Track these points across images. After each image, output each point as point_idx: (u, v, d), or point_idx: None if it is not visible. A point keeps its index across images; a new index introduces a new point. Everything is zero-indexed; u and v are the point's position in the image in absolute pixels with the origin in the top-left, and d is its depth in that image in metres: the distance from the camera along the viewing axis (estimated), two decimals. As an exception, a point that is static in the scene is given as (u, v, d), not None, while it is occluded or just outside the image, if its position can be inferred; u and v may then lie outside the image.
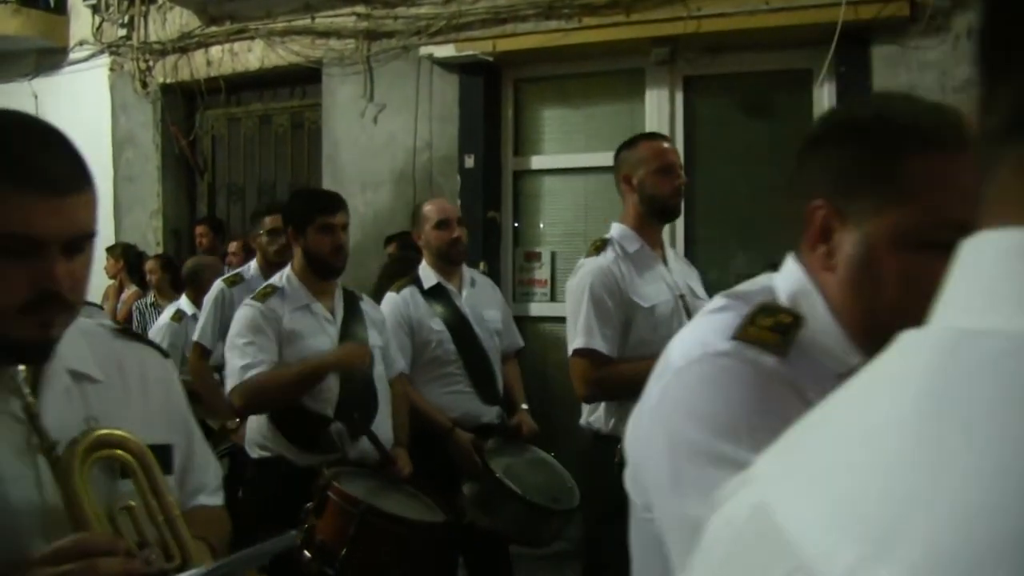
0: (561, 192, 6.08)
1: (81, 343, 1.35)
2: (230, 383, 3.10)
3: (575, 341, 2.95)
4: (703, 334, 1.13)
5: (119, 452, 1.26)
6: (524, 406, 3.82)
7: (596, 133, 5.99)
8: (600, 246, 3.06)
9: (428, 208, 3.79)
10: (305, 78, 6.71)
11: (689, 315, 3.04)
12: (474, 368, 3.66)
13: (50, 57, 8.02)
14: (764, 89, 5.67)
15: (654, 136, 3.23)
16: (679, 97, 5.80)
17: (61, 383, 1.31)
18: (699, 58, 5.67)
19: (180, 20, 7.19)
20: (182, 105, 7.41)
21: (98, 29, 7.71)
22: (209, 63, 7.04)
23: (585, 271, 3.02)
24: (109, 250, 6.79)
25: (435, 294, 3.69)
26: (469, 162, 5.94)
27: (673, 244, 5.70)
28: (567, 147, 6.05)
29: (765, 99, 5.67)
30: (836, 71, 5.24)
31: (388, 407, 3.27)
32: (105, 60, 7.66)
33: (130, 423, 1.33)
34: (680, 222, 5.75)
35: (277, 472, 3.11)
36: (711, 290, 5.52)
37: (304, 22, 6.55)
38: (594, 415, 3.01)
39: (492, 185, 5.95)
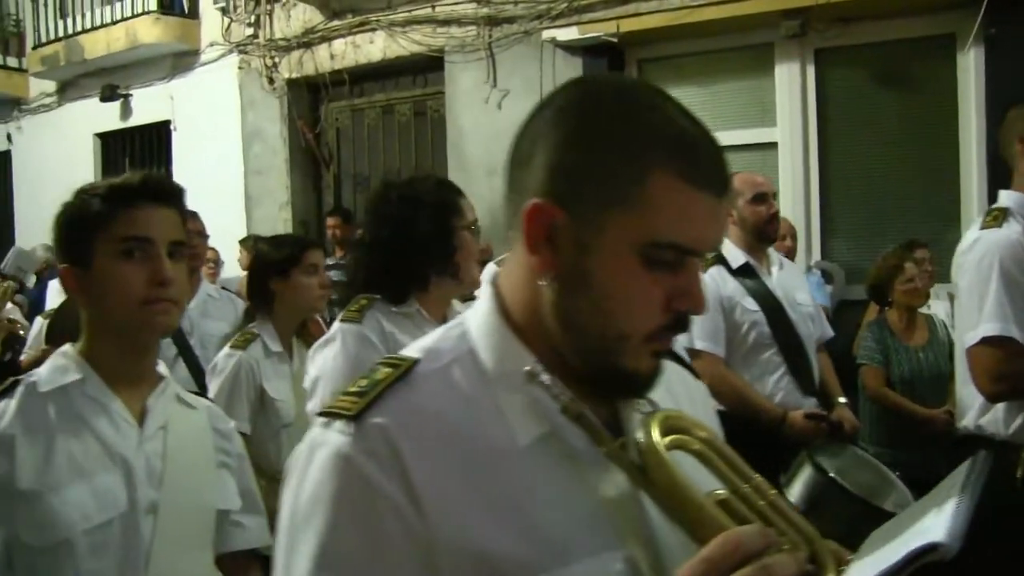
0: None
1: None
2: None
3: (982, 327, 2.46)
4: None
5: (689, 438, 0.97)
6: (842, 399, 3.46)
7: (723, 111, 5.84)
8: (998, 216, 2.56)
9: (739, 181, 3.34)
10: (427, 67, 6.79)
11: None
12: (791, 355, 3.29)
13: (184, 59, 8.39)
14: (902, 58, 5.41)
15: None
16: (811, 71, 5.60)
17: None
18: (831, 29, 5.45)
19: (304, 16, 7.38)
20: (307, 99, 7.61)
21: (227, 30, 8.00)
22: (332, 56, 7.20)
23: (987, 244, 2.52)
24: (242, 242, 7.01)
25: (744, 274, 3.31)
26: (595, 144, 5.88)
27: (808, 224, 5.55)
28: (693, 126, 5.92)
29: (904, 69, 5.41)
30: (985, 34, 4.94)
31: None
32: (234, 59, 7.95)
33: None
34: (815, 201, 5.58)
35: None
36: (848, 272, 5.39)
37: (425, 11, 6.62)
38: (985, 416, 2.53)
39: (619, 167, 5.87)
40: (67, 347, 1.61)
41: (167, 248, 1.54)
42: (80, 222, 1.54)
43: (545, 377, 0.90)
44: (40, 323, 4.86)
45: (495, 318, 0.98)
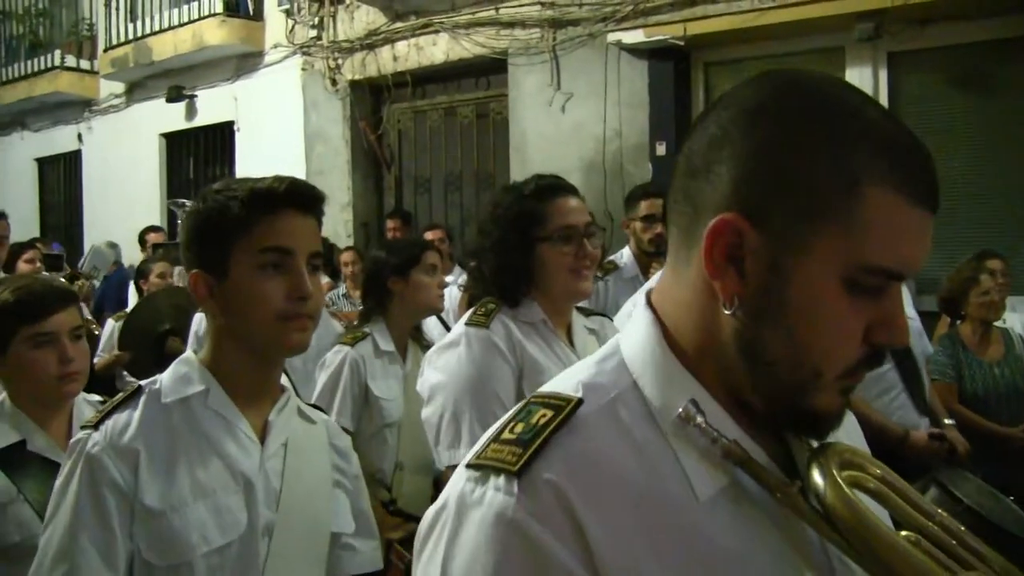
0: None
1: None
2: None
3: None
4: None
5: (864, 475, 0.88)
6: (949, 421, 3.35)
7: (791, 116, 5.72)
8: None
9: None
10: (490, 69, 6.78)
11: None
12: (906, 372, 3.22)
13: (248, 61, 8.50)
14: (983, 62, 5.21)
15: None
16: (883, 75, 5.44)
17: None
18: (905, 31, 5.29)
19: (367, 18, 7.41)
20: (369, 100, 7.65)
21: (291, 32, 8.07)
22: (395, 58, 7.22)
23: None
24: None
25: None
26: (661, 149, 5.80)
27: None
28: (761, 131, 5.80)
29: (984, 73, 5.22)
30: (1073, 37, 4.75)
31: None
32: (297, 61, 8.02)
33: None
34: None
35: None
36: (919, 283, 5.23)
37: (489, 13, 6.60)
38: None
39: (684, 172, 5.78)
40: (189, 354, 1.54)
41: (307, 260, 1.45)
42: (217, 228, 1.44)
43: (700, 419, 0.80)
44: (112, 325, 4.92)
45: (659, 348, 0.86)
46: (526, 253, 2.14)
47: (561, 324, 2.23)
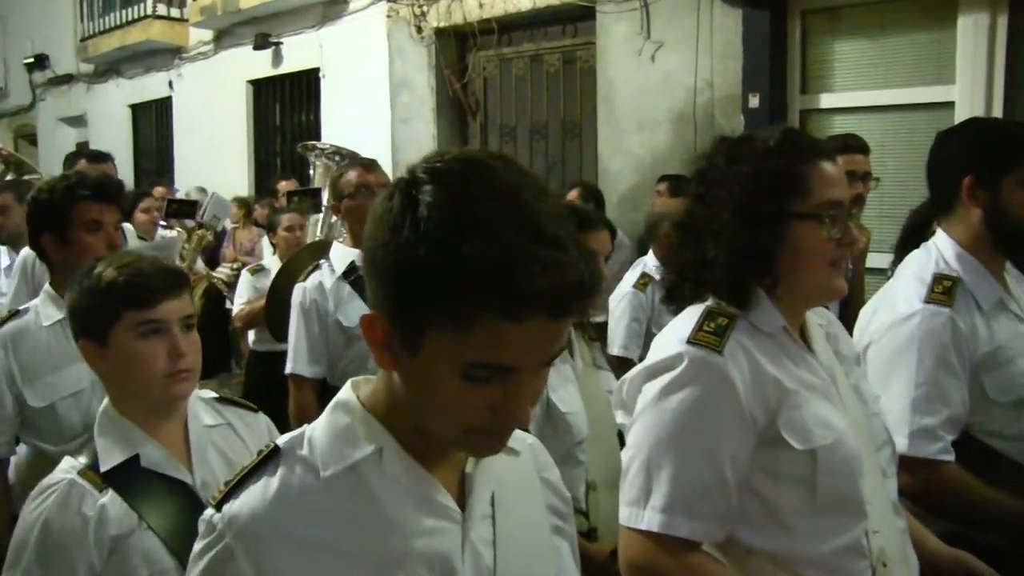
0: (854, 133, 5.59)
1: None
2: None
3: None
4: None
5: None
6: None
7: (894, 67, 5.43)
8: None
9: None
10: (578, 16, 6.63)
11: None
12: None
13: (333, 8, 8.50)
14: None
15: None
16: (1002, 22, 5.07)
17: None
18: (1028, -29, 4.93)
19: (453, -36, 7.29)
20: (455, 48, 7.57)
21: (377, -22, 7.99)
22: (481, 5, 7.10)
23: None
24: (387, 191, 7.05)
25: None
26: (753, 101, 5.60)
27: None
28: (860, 83, 5.54)
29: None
30: None
31: None
32: (382, 8, 7.97)
33: None
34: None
35: None
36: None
37: (578, -41, 6.41)
38: None
39: (778, 125, 5.57)
40: (349, 396, 1.08)
41: (536, 369, 1.01)
42: (421, 301, 0.92)
43: None
44: (247, 277, 4.75)
45: None
46: (775, 232, 1.53)
47: (795, 328, 1.64)
